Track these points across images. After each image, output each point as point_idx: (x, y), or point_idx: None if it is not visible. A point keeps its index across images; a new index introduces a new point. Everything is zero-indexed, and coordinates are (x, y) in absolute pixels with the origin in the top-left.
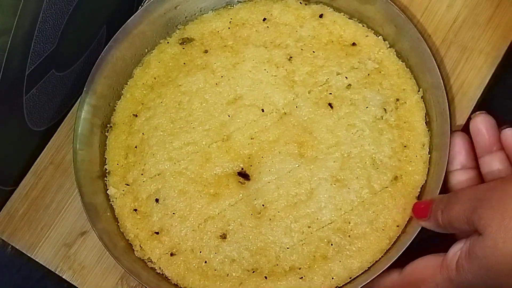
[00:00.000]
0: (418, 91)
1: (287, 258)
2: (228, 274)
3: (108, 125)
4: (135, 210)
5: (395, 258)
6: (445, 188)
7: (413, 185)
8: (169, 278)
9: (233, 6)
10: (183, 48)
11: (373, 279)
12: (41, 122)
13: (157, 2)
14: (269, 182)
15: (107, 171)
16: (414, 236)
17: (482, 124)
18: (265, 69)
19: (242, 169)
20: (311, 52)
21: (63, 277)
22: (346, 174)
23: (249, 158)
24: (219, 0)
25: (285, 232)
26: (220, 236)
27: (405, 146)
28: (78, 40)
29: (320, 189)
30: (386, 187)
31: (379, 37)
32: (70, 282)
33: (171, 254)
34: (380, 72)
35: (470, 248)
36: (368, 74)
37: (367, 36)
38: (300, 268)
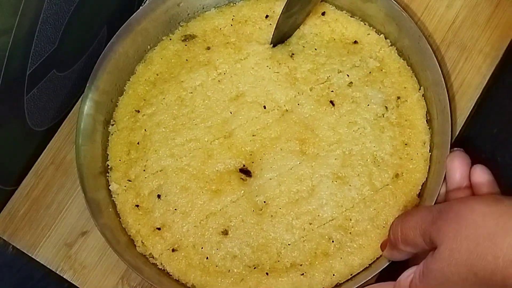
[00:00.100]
0: (419, 89)
1: (288, 255)
2: (229, 270)
3: (110, 121)
4: (137, 206)
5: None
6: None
7: (414, 183)
8: (171, 273)
9: (235, 3)
10: (186, 45)
11: (374, 276)
12: (42, 122)
13: None
14: (270, 179)
15: (109, 167)
16: None
17: (456, 161)
18: (267, 66)
19: (244, 165)
20: (313, 49)
21: (64, 277)
22: (348, 171)
23: (251, 155)
24: None
25: (287, 228)
26: (222, 232)
27: (406, 144)
28: (79, 40)
29: (321, 186)
30: (387, 185)
31: (381, 36)
32: (71, 282)
33: (173, 250)
34: (381, 70)
35: (424, 267)
36: (370, 72)
37: (369, 34)
38: (301, 265)
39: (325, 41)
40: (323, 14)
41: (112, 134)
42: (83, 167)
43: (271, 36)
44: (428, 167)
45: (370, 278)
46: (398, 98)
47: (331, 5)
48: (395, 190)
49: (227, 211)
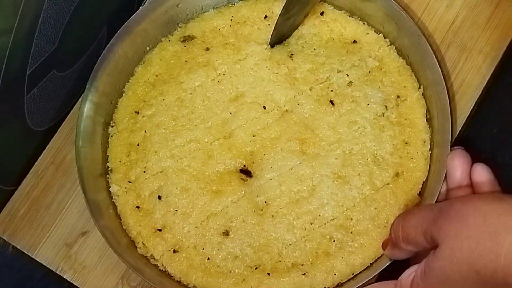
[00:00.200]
0: (419, 88)
1: (290, 255)
2: (231, 271)
3: (110, 122)
4: (138, 207)
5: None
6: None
7: (414, 182)
8: (172, 274)
9: (234, 4)
10: (185, 46)
11: (376, 275)
12: (42, 122)
13: (158, 0)
14: (271, 179)
15: (109, 168)
16: None
17: (457, 160)
18: (266, 67)
19: (244, 166)
20: (312, 49)
21: (64, 277)
22: (348, 171)
23: (251, 155)
24: None
25: (288, 228)
26: (223, 233)
27: (406, 143)
28: (79, 40)
29: (322, 186)
30: (388, 184)
31: (380, 35)
32: (71, 282)
33: (174, 251)
34: (381, 69)
35: (425, 266)
36: (369, 72)
37: (368, 33)
38: (302, 265)
39: (324, 41)
40: (322, 14)
41: (112, 136)
42: (83, 169)
43: (270, 37)
44: (428, 166)
45: (371, 277)
46: (398, 97)
47: (329, 5)
48: (396, 189)
49: (228, 211)
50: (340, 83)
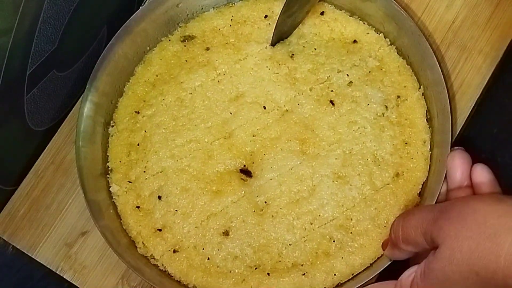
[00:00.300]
0: (419, 88)
1: (290, 255)
2: (231, 271)
3: (110, 122)
4: (138, 207)
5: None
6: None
7: (414, 182)
8: (172, 274)
9: (234, 3)
10: (185, 46)
11: (376, 275)
12: (42, 122)
13: (158, 0)
14: (271, 179)
15: (109, 168)
16: None
17: (457, 160)
18: (267, 67)
19: (244, 166)
20: (313, 49)
21: (64, 277)
22: (348, 171)
23: (251, 155)
24: None
25: (288, 229)
26: (223, 233)
27: (406, 143)
28: (79, 40)
29: (322, 186)
30: (388, 184)
31: (380, 35)
32: (71, 282)
33: (174, 251)
34: (381, 69)
35: (425, 266)
36: (369, 72)
37: (368, 33)
38: (302, 265)
39: (324, 40)
40: (322, 13)
41: (112, 136)
42: (83, 169)
43: (271, 36)
44: (428, 166)
45: (371, 277)
46: (398, 97)
47: (330, 5)
48: (396, 189)
49: (228, 211)
50: (340, 83)
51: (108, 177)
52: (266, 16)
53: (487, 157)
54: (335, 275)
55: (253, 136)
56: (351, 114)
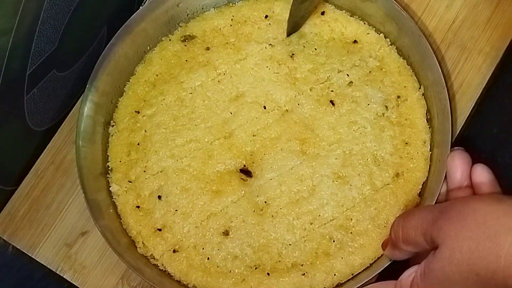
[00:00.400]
0: (419, 88)
1: (290, 255)
2: (230, 271)
3: (110, 122)
4: (138, 207)
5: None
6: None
7: (414, 182)
8: (172, 274)
9: (234, 3)
10: (185, 46)
11: (375, 275)
12: (42, 122)
13: (159, 0)
14: (271, 179)
15: (109, 168)
16: None
17: (457, 160)
18: (267, 67)
19: (244, 166)
20: (313, 49)
21: (64, 277)
22: (348, 171)
23: (251, 155)
24: None
25: (288, 229)
26: (223, 232)
27: (406, 143)
28: (79, 40)
29: (322, 186)
30: (388, 184)
31: (380, 35)
32: (71, 282)
33: (174, 251)
34: (381, 69)
35: (425, 266)
36: (370, 72)
37: (368, 33)
38: (302, 265)
39: (324, 40)
40: (322, 13)
41: (112, 135)
42: (83, 169)
43: (271, 36)
44: (428, 166)
45: (371, 277)
46: (398, 97)
47: (330, 5)
48: (396, 189)
49: (227, 211)
50: (341, 83)
51: (108, 177)
52: (266, 16)
53: (487, 157)
54: (335, 275)
55: (253, 136)
56: (351, 114)
